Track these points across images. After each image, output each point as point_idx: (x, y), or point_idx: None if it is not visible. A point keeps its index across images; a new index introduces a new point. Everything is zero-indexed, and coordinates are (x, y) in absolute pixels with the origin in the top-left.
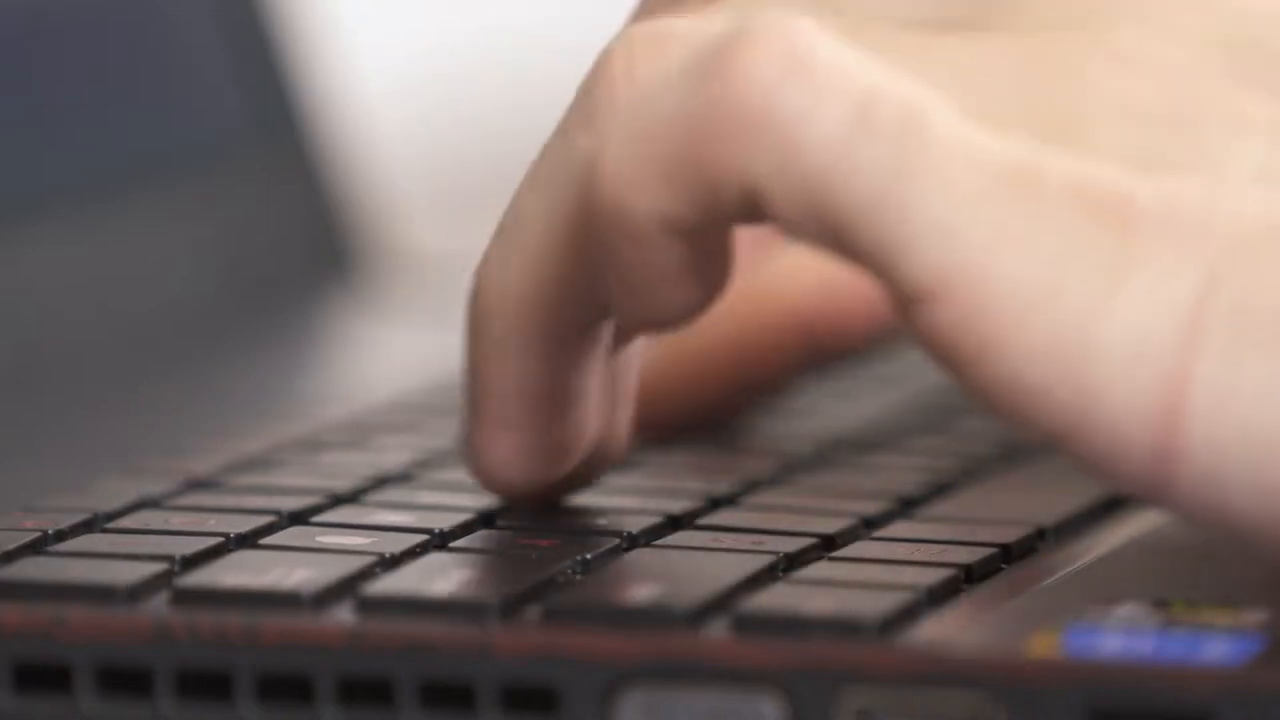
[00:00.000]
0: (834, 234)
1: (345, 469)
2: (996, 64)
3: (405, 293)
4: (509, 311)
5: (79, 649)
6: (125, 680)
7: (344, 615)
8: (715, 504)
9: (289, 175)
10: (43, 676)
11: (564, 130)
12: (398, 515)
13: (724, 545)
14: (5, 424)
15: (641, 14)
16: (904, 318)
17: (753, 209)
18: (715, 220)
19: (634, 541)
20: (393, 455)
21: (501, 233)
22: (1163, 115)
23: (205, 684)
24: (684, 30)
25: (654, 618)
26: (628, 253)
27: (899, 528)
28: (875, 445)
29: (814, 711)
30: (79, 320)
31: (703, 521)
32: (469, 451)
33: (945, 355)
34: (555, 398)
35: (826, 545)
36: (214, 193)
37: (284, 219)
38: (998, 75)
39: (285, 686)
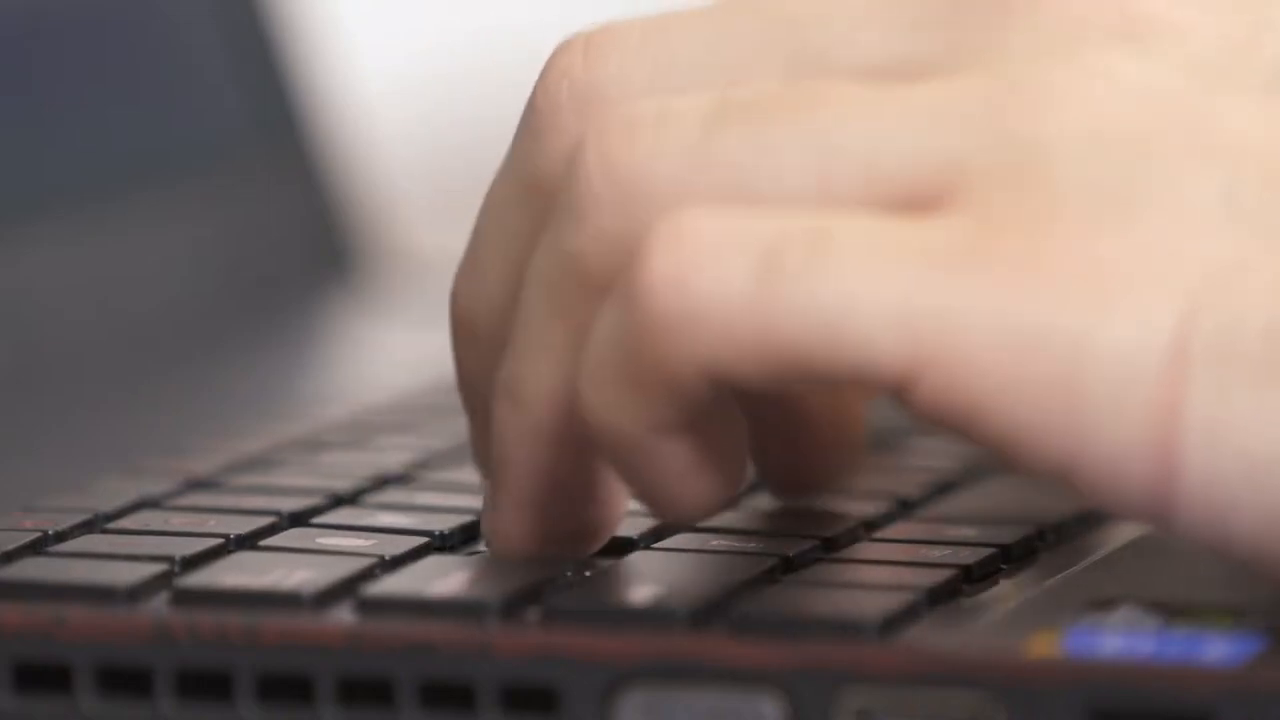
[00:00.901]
0: (800, 372)
1: (345, 469)
2: (956, 101)
3: (405, 293)
4: (529, 403)
5: (79, 649)
6: (125, 680)
7: (344, 616)
8: None
9: (289, 175)
10: (43, 676)
11: (556, 229)
12: (398, 516)
13: (724, 546)
14: (5, 424)
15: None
16: (901, 407)
17: (722, 385)
18: (699, 409)
19: (634, 542)
20: (393, 455)
21: (517, 334)
22: (1129, 142)
23: (205, 684)
24: (651, 114)
25: (654, 618)
26: (638, 464)
27: (899, 528)
28: (875, 445)
29: (814, 711)
30: (79, 320)
31: (703, 522)
32: (489, 524)
33: (943, 424)
34: (580, 484)
35: (826, 546)
36: (214, 193)
37: (284, 219)
38: (957, 112)
39: (285, 687)
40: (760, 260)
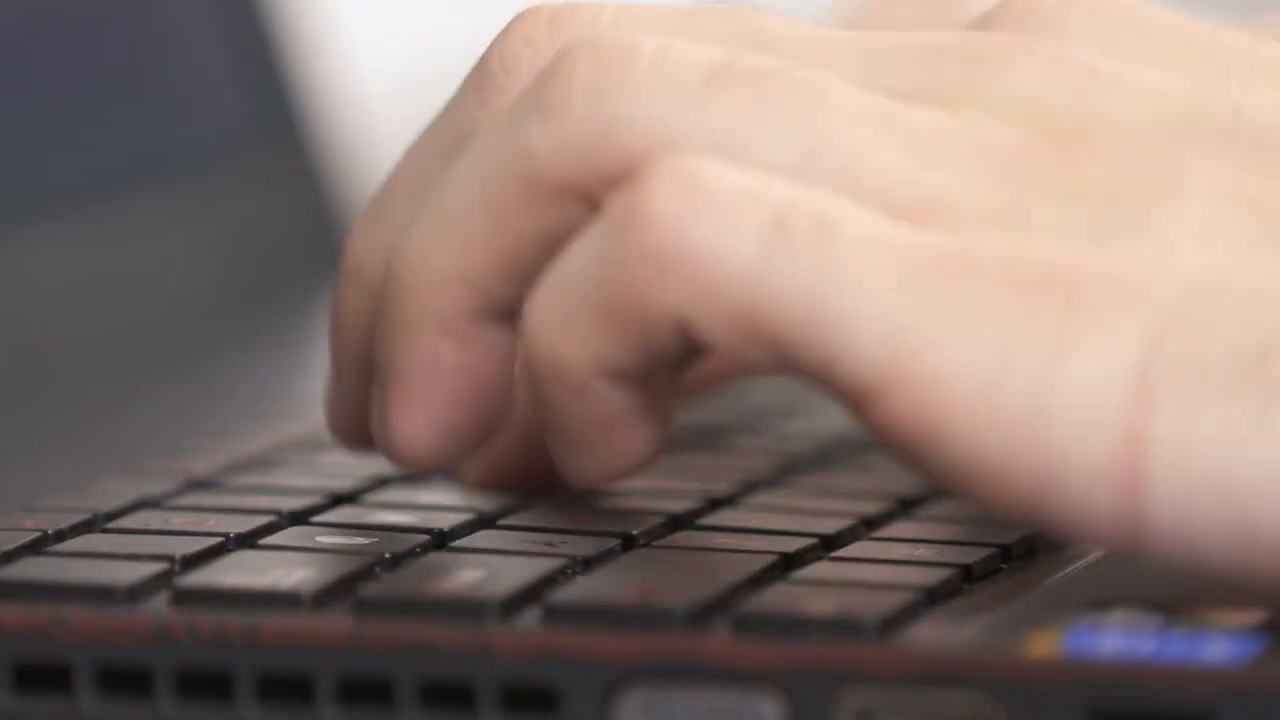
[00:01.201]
0: (771, 352)
1: (345, 469)
2: (945, 140)
3: None
4: (431, 290)
5: (79, 649)
6: (125, 680)
7: (344, 615)
8: (715, 504)
9: (289, 175)
10: (43, 676)
11: (512, 115)
12: (397, 515)
13: (724, 545)
14: (5, 424)
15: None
16: (855, 416)
17: (688, 343)
18: (653, 360)
19: (634, 541)
20: None
21: (432, 212)
22: (1102, 194)
23: (205, 684)
24: (652, 49)
25: (654, 618)
26: (571, 405)
27: (899, 528)
28: (875, 445)
29: (814, 711)
30: (79, 320)
31: (703, 521)
32: (378, 423)
33: (901, 447)
34: (471, 382)
35: (826, 545)
36: (214, 193)
37: (284, 219)
38: (945, 150)
39: (285, 686)
40: (769, 227)
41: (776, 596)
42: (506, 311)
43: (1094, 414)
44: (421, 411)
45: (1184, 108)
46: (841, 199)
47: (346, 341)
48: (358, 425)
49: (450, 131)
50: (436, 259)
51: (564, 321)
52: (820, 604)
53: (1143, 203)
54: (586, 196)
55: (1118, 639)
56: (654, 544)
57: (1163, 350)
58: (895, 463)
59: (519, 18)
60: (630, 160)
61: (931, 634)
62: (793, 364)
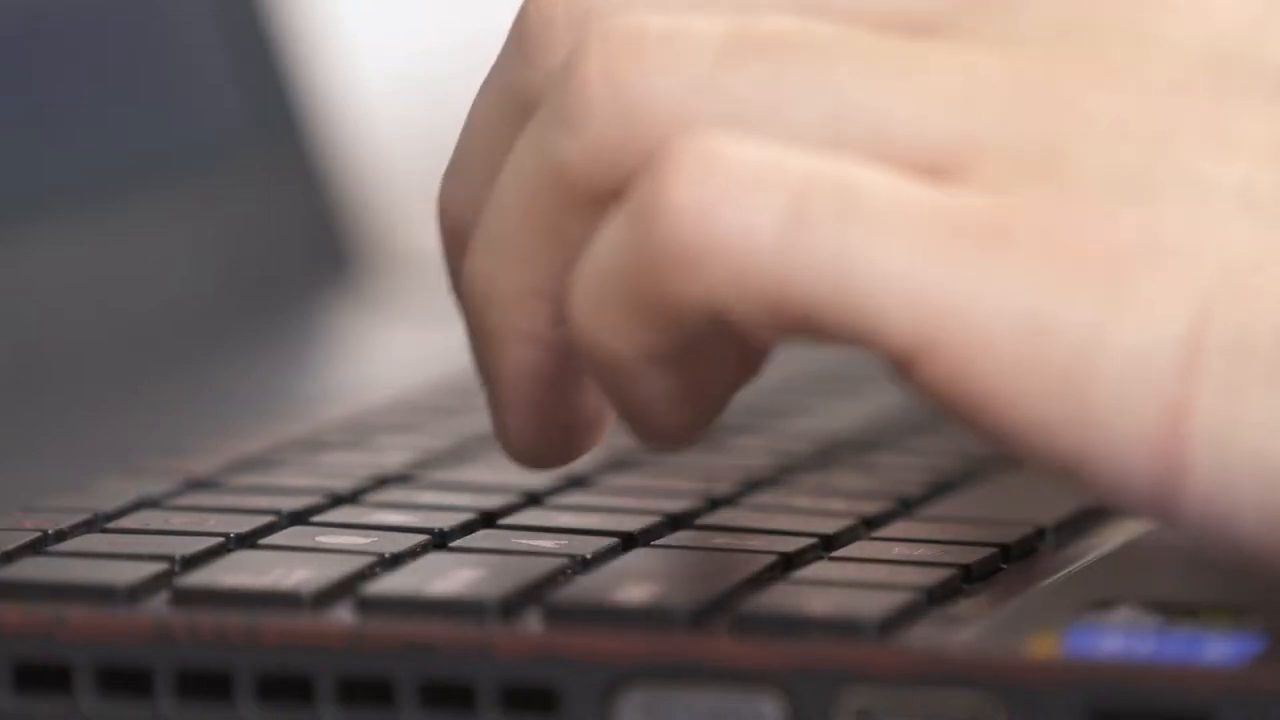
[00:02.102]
0: (805, 328)
1: (345, 469)
2: (975, 81)
3: (405, 293)
4: (508, 305)
5: (79, 649)
6: (125, 680)
7: (344, 615)
8: (715, 504)
9: (289, 175)
10: (43, 676)
11: (543, 129)
12: (398, 515)
13: (724, 545)
14: (5, 424)
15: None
16: (899, 379)
17: (724, 325)
18: (693, 344)
19: (634, 541)
20: (393, 455)
21: (488, 229)
22: (1146, 137)
23: (205, 684)
24: (661, 32)
25: (654, 618)
26: (623, 386)
27: (899, 528)
28: (875, 445)
29: (814, 711)
30: (79, 320)
31: (703, 521)
32: (497, 436)
33: (946, 408)
34: (567, 379)
35: (826, 545)
36: (214, 193)
37: (284, 219)
38: (976, 94)
39: (285, 686)
40: (789, 205)
41: (776, 596)
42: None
43: (1137, 382)
44: (526, 418)
45: (1239, 38)
46: (862, 166)
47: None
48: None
49: (504, 90)
50: (502, 277)
51: (600, 312)
52: (820, 604)
53: (1190, 153)
54: (626, 192)
55: (1118, 639)
56: (654, 544)
57: (1209, 324)
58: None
59: None
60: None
61: (931, 634)
62: (830, 337)
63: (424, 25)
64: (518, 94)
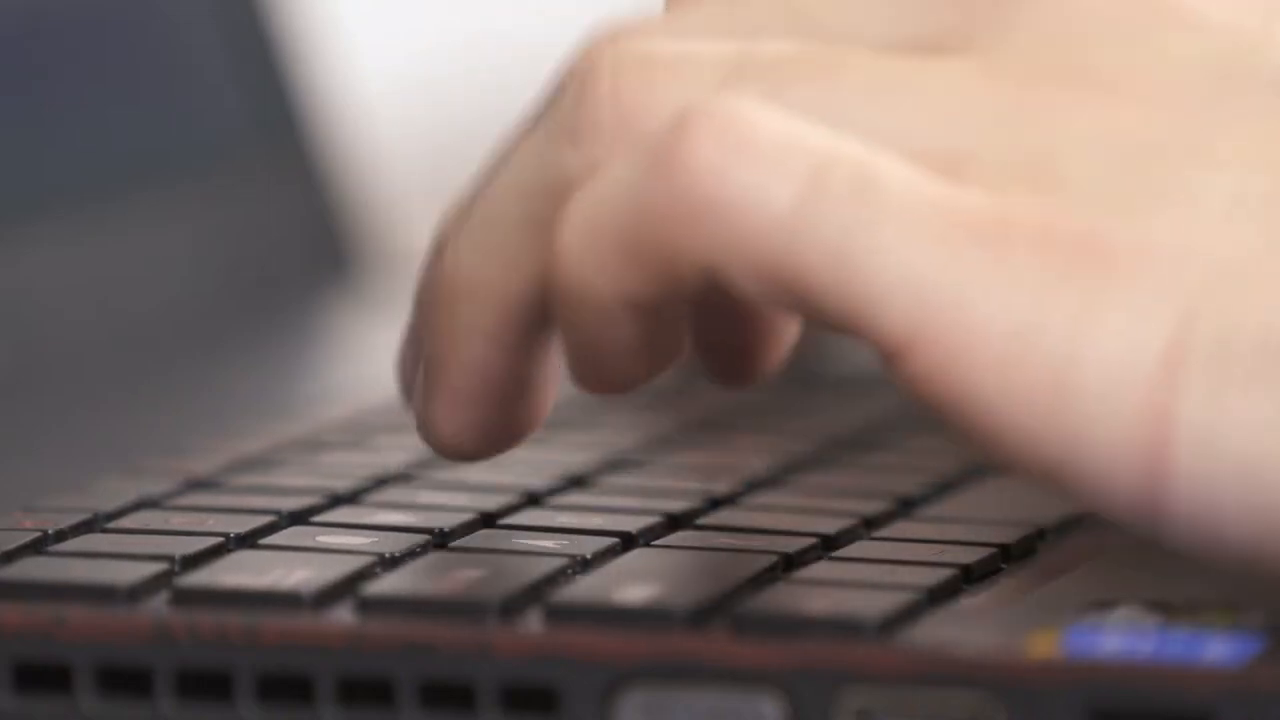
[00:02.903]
0: (801, 302)
1: (345, 469)
2: (972, 96)
3: (405, 293)
4: (482, 302)
5: (79, 649)
6: (125, 680)
7: (344, 615)
8: (715, 504)
9: (289, 175)
10: (43, 676)
11: (548, 138)
12: (398, 515)
13: (724, 545)
14: (5, 424)
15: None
16: (885, 370)
17: (715, 284)
18: (677, 297)
19: (634, 541)
20: (393, 455)
21: (476, 225)
22: (1137, 147)
23: (205, 684)
24: (669, 58)
25: (654, 618)
26: (590, 327)
27: (899, 528)
28: (875, 445)
29: (814, 711)
30: (79, 320)
31: (703, 521)
32: (423, 420)
33: (929, 404)
34: (515, 383)
35: (826, 545)
36: (214, 193)
37: (284, 219)
38: (972, 109)
39: (285, 686)
40: (806, 179)
41: (776, 596)
42: (549, 323)
43: (1120, 386)
44: (467, 412)
45: (1232, 47)
46: (881, 153)
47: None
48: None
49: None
50: (484, 275)
51: (593, 253)
52: (820, 604)
53: (1178, 162)
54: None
55: (1118, 639)
56: (654, 544)
57: (1193, 329)
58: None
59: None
60: None
61: (931, 634)
62: (821, 316)
63: (424, 25)
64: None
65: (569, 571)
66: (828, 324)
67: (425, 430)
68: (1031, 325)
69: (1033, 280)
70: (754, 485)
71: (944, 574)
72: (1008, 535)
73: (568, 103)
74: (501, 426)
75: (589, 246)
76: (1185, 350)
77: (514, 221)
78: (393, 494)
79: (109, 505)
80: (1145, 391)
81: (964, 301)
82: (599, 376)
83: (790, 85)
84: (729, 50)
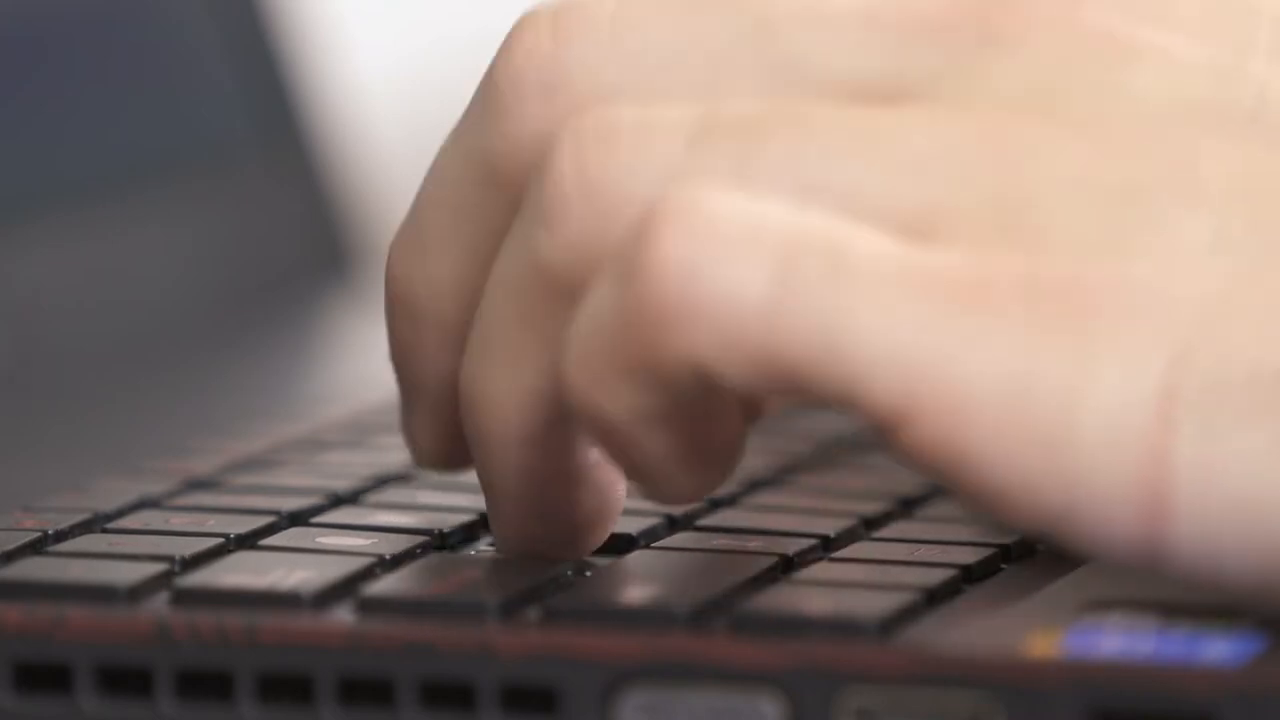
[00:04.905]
0: (792, 388)
1: (345, 469)
2: (943, 146)
3: None
4: (496, 408)
5: (79, 649)
6: (125, 680)
7: (344, 615)
8: (715, 504)
9: (289, 175)
10: (43, 676)
11: (522, 227)
12: (398, 516)
13: (724, 546)
14: (5, 424)
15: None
16: (882, 444)
17: (711, 383)
18: (686, 402)
19: (634, 542)
20: (393, 455)
21: (476, 333)
22: (1113, 189)
23: (205, 684)
24: (631, 125)
25: (654, 618)
26: (625, 449)
27: (899, 528)
28: (875, 445)
29: (814, 711)
30: (79, 319)
31: (703, 521)
32: (492, 526)
33: (929, 473)
34: (563, 477)
35: (826, 545)
36: (214, 192)
37: (284, 218)
38: (943, 160)
39: (285, 686)
40: (777, 265)
41: (776, 596)
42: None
43: (1117, 433)
44: (525, 517)
45: (1205, 83)
46: (849, 223)
47: (406, 370)
48: (438, 445)
49: (472, 154)
50: (496, 379)
51: (591, 373)
52: (820, 604)
53: (1158, 201)
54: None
55: (1118, 639)
56: (654, 544)
57: (1185, 369)
58: (917, 475)
59: (519, 26)
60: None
61: (931, 634)
62: (815, 398)
63: (424, 25)
64: (483, 161)
65: (569, 571)
66: (821, 403)
67: (499, 541)
68: (1023, 381)
69: (1019, 335)
70: (754, 485)
71: (944, 574)
72: (1007, 535)
73: (533, 186)
74: (570, 521)
75: (589, 373)
76: (1179, 390)
77: (508, 319)
78: (392, 494)
79: (109, 505)
80: (1143, 435)
81: (951, 365)
82: (661, 491)
83: (757, 150)
84: (691, 114)
